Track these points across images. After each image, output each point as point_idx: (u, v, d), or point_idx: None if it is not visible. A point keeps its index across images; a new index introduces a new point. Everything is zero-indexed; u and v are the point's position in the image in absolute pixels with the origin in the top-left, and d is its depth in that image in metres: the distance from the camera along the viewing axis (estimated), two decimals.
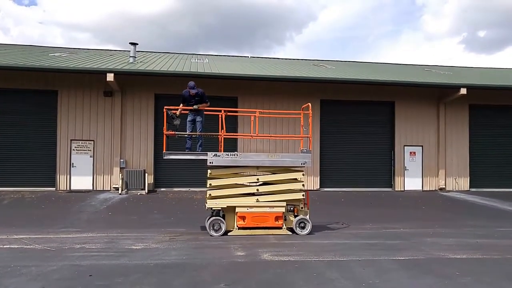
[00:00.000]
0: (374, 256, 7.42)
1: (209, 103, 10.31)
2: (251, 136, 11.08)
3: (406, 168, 18.71)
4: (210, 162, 9.38)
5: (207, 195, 9.41)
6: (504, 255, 7.66)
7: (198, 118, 10.18)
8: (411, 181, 18.69)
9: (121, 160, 16.72)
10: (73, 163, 16.61)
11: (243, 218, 9.31)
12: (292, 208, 9.70)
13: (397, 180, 18.60)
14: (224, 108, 10.23)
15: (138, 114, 17.06)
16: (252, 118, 10.38)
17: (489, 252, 7.87)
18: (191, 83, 10.05)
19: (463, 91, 17.36)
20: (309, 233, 9.44)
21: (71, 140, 16.64)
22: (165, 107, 9.90)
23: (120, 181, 16.20)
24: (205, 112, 10.35)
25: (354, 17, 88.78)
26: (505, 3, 71.83)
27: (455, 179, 18.99)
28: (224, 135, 10.12)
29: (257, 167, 9.69)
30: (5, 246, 7.98)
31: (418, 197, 16.89)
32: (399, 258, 7.29)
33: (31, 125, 16.46)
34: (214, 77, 16.41)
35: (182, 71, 16.65)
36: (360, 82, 17.63)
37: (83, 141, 16.73)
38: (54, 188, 16.38)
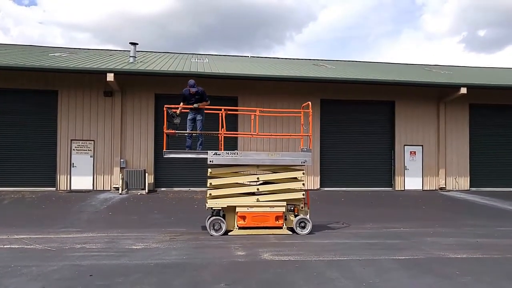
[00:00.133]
0: (374, 255, 7.42)
1: (209, 102, 10.30)
2: (251, 135, 11.07)
3: (406, 168, 18.71)
4: (210, 161, 9.38)
5: (207, 195, 9.41)
6: (504, 255, 7.65)
7: (199, 117, 10.18)
8: (411, 180, 18.70)
9: (121, 160, 16.72)
10: (73, 163, 16.62)
11: (243, 217, 9.31)
12: (292, 208, 9.70)
13: (397, 180, 18.60)
14: (224, 110, 10.22)
15: (138, 114, 17.07)
16: (252, 116, 10.38)
17: (489, 252, 7.87)
18: (191, 81, 10.05)
19: (463, 90, 17.37)
20: (310, 233, 9.45)
21: (71, 140, 16.64)
22: (165, 105, 9.91)
23: (120, 181, 16.21)
24: (205, 111, 10.35)
25: (354, 17, 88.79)
26: (505, 3, 71.84)
27: (455, 178, 18.99)
28: (224, 133, 10.12)
29: (257, 166, 9.69)
30: (5, 246, 7.99)
31: (418, 197, 16.89)
32: (399, 257, 7.29)
33: (31, 125, 16.47)
34: (214, 77, 16.41)
35: (182, 71, 16.66)
36: (360, 81, 17.63)
37: (83, 141, 16.74)
38: (55, 188, 16.39)
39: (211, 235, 9.15)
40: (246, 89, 17.33)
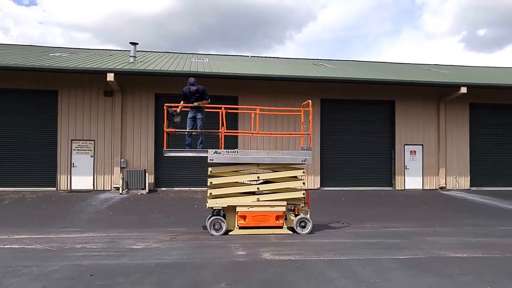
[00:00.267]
0: (375, 255, 7.42)
1: (209, 100, 10.29)
2: (252, 133, 11.05)
3: (407, 167, 18.71)
4: (210, 159, 9.38)
5: (208, 194, 9.41)
6: (504, 254, 7.65)
7: (199, 115, 10.16)
8: (411, 180, 18.70)
9: (121, 160, 16.73)
10: (73, 163, 16.62)
11: (243, 217, 9.31)
12: (292, 207, 9.70)
13: (398, 179, 18.61)
14: (224, 108, 10.21)
15: (138, 114, 17.07)
16: (253, 115, 10.37)
17: (490, 251, 7.87)
18: (191, 79, 10.04)
19: (463, 90, 17.37)
20: (310, 232, 9.45)
21: (71, 140, 16.65)
22: (165, 104, 9.91)
23: (121, 181, 16.21)
24: (205, 110, 10.34)
25: (354, 17, 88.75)
26: (504, 3, 71.80)
27: (456, 177, 18.99)
28: (225, 132, 10.12)
29: (257, 165, 9.68)
30: (6, 246, 7.99)
31: (419, 196, 16.89)
32: (400, 257, 7.30)
33: (32, 125, 16.47)
34: (215, 76, 16.41)
35: (182, 70, 16.65)
36: (360, 81, 17.63)
37: (83, 141, 16.74)
38: (55, 188, 16.39)
39: (212, 235, 9.15)
40: (246, 89, 17.33)
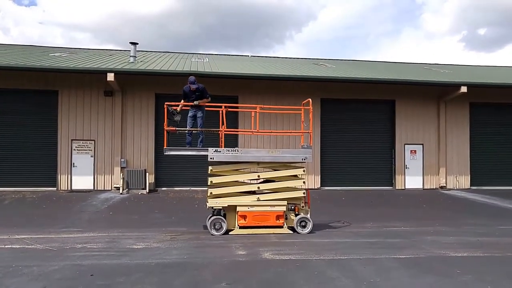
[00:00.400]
0: (375, 254, 7.42)
1: (210, 99, 10.28)
2: (252, 132, 11.03)
3: (407, 167, 18.71)
4: (211, 158, 9.37)
5: (208, 194, 9.42)
6: (505, 253, 7.65)
7: (199, 114, 10.14)
8: (411, 179, 18.70)
9: (122, 160, 16.73)
10: (74, 163, 16.63)
11: (244, 217, 9.31)
12: (293, 207, 9.70)
13: (398, 179, 18.61)
14: (224, 107, 10.21)
15: (138, 114, 17.07)
16: (253, 114, 10.37)
17: (490, 250, 7.87)
18: (192, 78, 10.04)
19: (464, 89, 17.37)
20: (310, 232, 9.45)
21: (71, 140, 16.66)
22: (165, 103, 9.91)
23: (121, 180, 16.22)
24: (206, 108, 10.33)
25: (354, 16, 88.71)
26: (504, 2, 71.76)
27: (456, 177, 18.99)
28: (225, 131, 10.11)
29: (258, 164, 9.68)
30: (6, 246, 8.00)
31: (419, 196, 16.89)
32: (400, 256, 7.30)
33: (32, 125, 16.48)
34: (215, 76, 16.41)
35: (182, 70, 16.65)
36: (360, 80, 17.64)
37: (83, 141, 16.75)
38: (55, 188, 16.40)
39: (212, 235, 9.16)
40: (246, 89, 17.33)
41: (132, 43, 18.47)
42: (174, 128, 9.95)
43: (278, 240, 8.70)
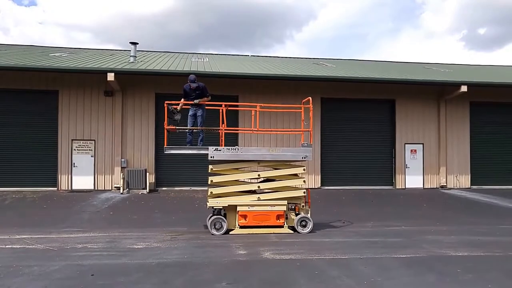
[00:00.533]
0: (376, 254, 7.42)
1: (210, 97, 10.27)
2: (252, 130, 11.01)
3: (407, 166, 18.71)
4: (211, 157, 9.36)
5: (209, 193, 9.41)
6: (506, 253, 7.65)
7: (199, 113, 10.13)
8: (412, 179, 18.69)
9: (122, 160, 16.73)
10: (74, 163, 16.64)
11: (244, 216, 9.31)
12: (293, 207, 9.70)
13: (398, 178, 18.60)
14: (224, 105, 10.19)
15: (139, 114, 17.07)
16: (253, 112, 10.37)
17: (491, 250, 7.87)
18: (192, 76, 10.04)
19: (464, 88, 17.36)
20: (311, 232, 9.45)
21: (72, 140, 16.66)
22: (166, 102, 9.90)
23: (122, 180, 16.22)
24: (206, 107, 10.32)
25: (354, 16, 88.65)
26: (504, 1, 71.71)
27: (456, 176, 18.98)
28: (225, 129, 10.11)
29: (258, 162, 9.67)
30: (7, 246, 8.00)
31: (419, 195, 16.89)
32: (401, 256, 7.30)
33: (32, 125, 16.47)
34: (215, 76, 16.41)
35: (182, 70, 16.64)
36: (360, 80, 17.63)
37: (84, 141, 16.75)
38: (56, 188, 16.41)
39: (212, 234, 9.16)
40: (247, 88, 17.32)
41: (132, 43, 18.46)
42: (174, 127, 9.95)
43: (278, 240, 8.70)
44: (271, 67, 19.72)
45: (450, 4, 79.19)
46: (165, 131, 9.82)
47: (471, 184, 19.01)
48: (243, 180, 9.79)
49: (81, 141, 16.73)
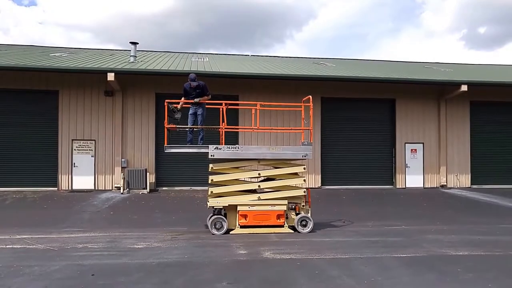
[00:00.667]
0: (376, 253, 7.42)
1: (210, 96, 10.27)
2: (252, 129, 10.99)
3: (407, 166, 18.71)
4: (211, 155, 9.35)
5: (209, 193, 9.41)
6: (506, 252, 7.65)
7: (200, 111, 10.12)
8: (412, 178, 18.69)
9: (122, 160, 16.74)
10: (74, 163, 16.64)
11: (244, 216, 9.31)
12: (293, 206, 9.70)
13: (398, 178, 18.60)
14: (225, 104, 10.19)
15: (139, 113, 17.08)
16: (253, 111, 10.36)
17: (491, 249, 7.87)
18: (192, 75, 10.04)
19: (464, 87, 17.35)
20: (311, 231, 9.45)
21: (72, 140, 16.66)
22: (166, 100, 9.91)
23: (122, 180, 16.22)
24: (206, 106, 10.32)
25: (354, 15, 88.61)
26: (504, 0, 71.65)
27: (457, 176, 18.98)
28: (225, 128, 10.10)
29: (258, 161, 9.67)
30: (7, 246, 8.01)
31: (420, 194, 16.88)
32: (401, 255, 7.30)
33: (32, 125, 16.48)
34: (215, 75, 16.41)
35: (183, 70, 16.63)
36: (360, 79, 17.63)
37: (84, 141, 16.76)
38: (56, 188, 16.41)
39: (213, 234, 9.16)
40: (247, 88, 17.32)
41: (132, 42, 18.46)
42: (174, 126, 9.94)
43: (279, 240, 8.70)
44: (271, 67, 19.72)
45: (450, 4, 79.19)
46: (166, 130, 9.82)
47: (472, 184, 19.01)
48: (243, 179, 9.79)
49: (82, 141, 16.74)
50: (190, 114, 10.20)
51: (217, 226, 9.26)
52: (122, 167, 16.66)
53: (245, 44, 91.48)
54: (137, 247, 7.98)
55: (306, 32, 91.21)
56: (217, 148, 9.40)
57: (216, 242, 8.48)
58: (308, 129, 10.30)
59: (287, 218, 9.54)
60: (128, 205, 13.82)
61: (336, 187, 17.85)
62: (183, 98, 10.20)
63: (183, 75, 15.44)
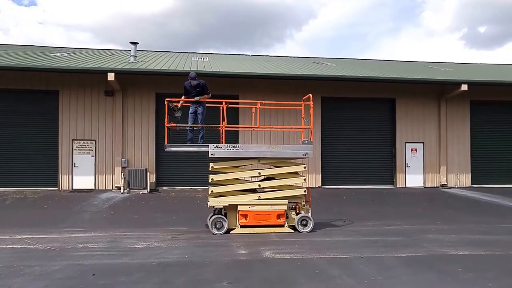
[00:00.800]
0: (376, 253, 7.43)
1: (210, 95, 10.27)
2: (252, 128, 10.99)
3: (408, 165, 18.70)
4: (211, 154, 9.35)
5: (209, 193, 9.42)
6: (506, 251, 7.66)
7: (200, 110, 10.12)
8: (412, 178, 18.68)
9: (122, 160, 16.74)
10: (75, 163, 16.65)
11: (245, 216, 9.32)
12: (294, 206, 9.70)
13: (399, 177, 18.60)
14: (225, 103, 10.18)
15: (139, 113, 17.08)
16: (253, 110, 10.35)
17: (492, 248, 7.87)
18: (192, 73, 10.04)
19: (464, 87, 17.34)
20: (311, 231, 9.46)
21: (72, 140, 16.67)
22: (166, 99, 9.91)
23: (122, 180, 16.23)
24: (206, 104, 10.32)
25: (354, 15, 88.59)
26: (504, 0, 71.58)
27: (457, 175, 18.97)
28: (225, 127, 10.10)
29: (259, 160, 9.67)
30: (8, 246, 8.01)
31: (420, 194, 16.88)
32: (401, 255, 7.31)
33: (33, 126, 16.48)
34: (215, 75, 16.40)
35: (183, 70, 16.63)
36: (360, 79, 17.62)
37: (84, 141, 16.76)
38: (56, 188, 16.42)
39: (213, 234, 9.17)
40: (247, 87, 17.31)
41: (132, 42, 18.46)
42: (174, 125, 9.94)
43: (279, 239, 8.71)
44: (272, 67, 19.72)
45: (450, 3, 79.15)
46: (166, 128, 9.82)
47: (472, 183, 19.00)
48: (243, 178, 9.80)
49: (82, 141, 16.74)
50: (190, 113, 10.19)
51: (217, 226, 9.26)
52: (122, 167, 16.66)
53: (245, 44, 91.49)
54: (137, 247, 7.98)
55: (306, 32, 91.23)
56: (218, 147, 9.40)
57: (216, 241, 8.48)
58: (309, 128, 10.31)
59: (287, 217, 9.55)
60: (129, 205, 13.83)
61: (336, 186, 17.85)
62: (183, 97, 10.20)
63: (183, 75, 15.43)
